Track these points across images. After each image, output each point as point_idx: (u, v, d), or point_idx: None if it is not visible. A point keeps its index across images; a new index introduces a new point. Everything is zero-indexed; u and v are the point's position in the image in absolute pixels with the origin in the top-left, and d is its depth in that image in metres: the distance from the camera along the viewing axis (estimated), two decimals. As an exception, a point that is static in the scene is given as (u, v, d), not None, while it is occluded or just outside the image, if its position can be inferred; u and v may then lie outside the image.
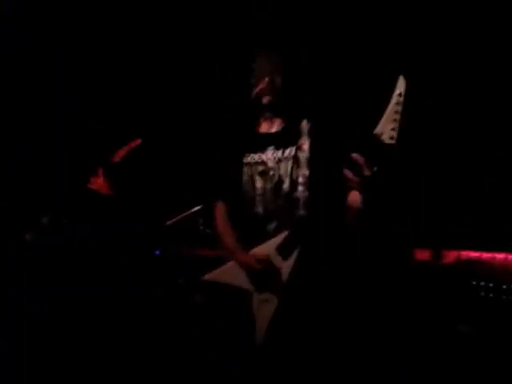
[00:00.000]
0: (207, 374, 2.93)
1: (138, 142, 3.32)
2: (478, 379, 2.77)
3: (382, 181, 2.25)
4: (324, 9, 3.58)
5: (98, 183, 3.26)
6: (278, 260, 2.50)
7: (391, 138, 2.18)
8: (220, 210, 2.67)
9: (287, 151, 2.60)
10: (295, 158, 2.57)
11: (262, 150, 2.63)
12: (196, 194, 3.62)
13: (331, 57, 3.46)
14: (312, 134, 2.57)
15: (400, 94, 2.16)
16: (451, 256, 3.10)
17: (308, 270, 2.49)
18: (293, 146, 2.59)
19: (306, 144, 2.58)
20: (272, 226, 2.53)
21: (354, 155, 2.24)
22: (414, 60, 3.24)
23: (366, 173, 2.24)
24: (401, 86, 2.17)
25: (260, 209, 2.57)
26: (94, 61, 3.94)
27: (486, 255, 3.04)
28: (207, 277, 2.68)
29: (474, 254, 3.08)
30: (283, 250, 2.49)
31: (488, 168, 3.34)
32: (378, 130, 2.20)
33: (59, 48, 3.86)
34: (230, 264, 2.61)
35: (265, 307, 2.51)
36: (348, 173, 2.28)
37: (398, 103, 2.16)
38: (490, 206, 3.30)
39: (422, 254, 3.24)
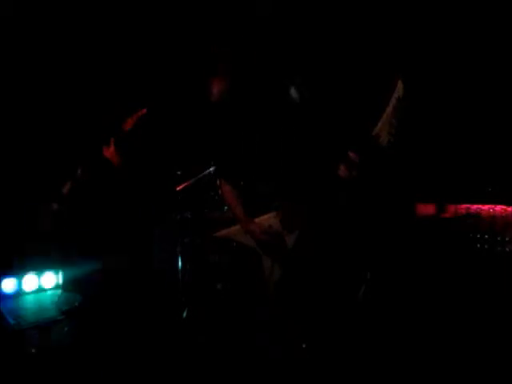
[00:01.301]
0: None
1: (144, 111, 3.44)
2: (475, 332, 2.88)
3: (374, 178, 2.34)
4: (325, 12, 3.54)
5: (110, 152, 3.41)
6: (282, 232, 2.64)
7: (388, 140, 2.26)
8: (225, 186, 2.80)
9: None
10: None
11: None
12: (203, 160, 3.70)
13: (333, 60, 3.44)
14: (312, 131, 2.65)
15: (398, 98, 2.21)
16: (451, 209, 3.19)
17: (310, 244, 2.63)
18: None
19: None
20: (276, 203, 2.66)
21: (352, 154, 2.33)
22: (413, 65, 3.22)
23: (354, 173, 2.35)
24: (399, 90, 2.22)
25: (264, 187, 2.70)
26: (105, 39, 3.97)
27: (485, 207, 3.11)
28: (219, 233, 2.84)
29: (473, 207, 3.16)
30: (288, 223, 2.62)
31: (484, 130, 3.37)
32: (375, 131, 2.28)
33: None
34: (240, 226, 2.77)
35: (274, 271, 2.67)
36: (342, 170, 2.37)
37: (396, 107, 2.23)
38: (489, 162, 3.34)
39: (427, 208, 3.33)
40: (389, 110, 2.26)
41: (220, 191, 2.89)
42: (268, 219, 2.67)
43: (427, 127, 3.38)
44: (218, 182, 3.02)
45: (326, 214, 2.65)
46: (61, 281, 3.52)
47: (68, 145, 3.81)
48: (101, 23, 3.94)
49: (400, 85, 2.26)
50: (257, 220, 2.69)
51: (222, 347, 3.06)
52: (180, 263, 3.64)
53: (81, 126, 3.87)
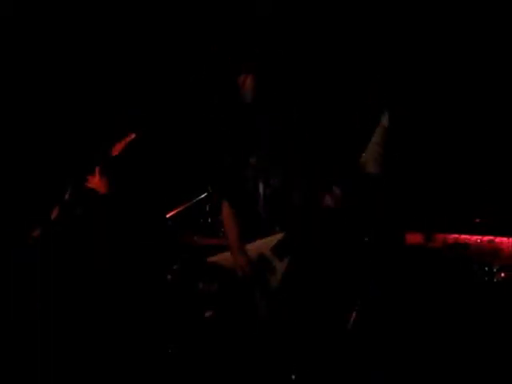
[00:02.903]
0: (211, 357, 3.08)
1: (133, 136, 3.32)
2: (467, 357, 2.91)
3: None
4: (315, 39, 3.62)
5: (95, 182, 3.29)
6: (273, 259, 2.65)
7: (374, 168, 2.32)
8: (226, 207, 2.81)
9: None
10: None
11: None
12: (197, 185, 3.71)
13: (319, 89, 3.51)
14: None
15: (384, 128, 2.28)
16: (439, 239, 3.22)
17: (301, 272, 2.64)
18: None
19: None
20: (276, 228, 2.68)
21: (335, 188, 2.39)
22: (398, 95, 3.30)
23: (338, 205, 2.40)
24: (385, 120, 2.29)
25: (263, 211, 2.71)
26: (89, 58, 3.98)
27: (473, 238, 3.15)
28: (211, 259, 2.84)
29: (462, 237, 3.20)
30: (278, 251, 2.63)
31: (476, 160, 3.44)
32: (362, 159, 2.34)
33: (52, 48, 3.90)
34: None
35: (264, 299, 2.67)
36: (328, 200, 2.42)
37: (381, 136, 2.30)
38: (478, 192, 3.40)
39: (414, 238, 3.36)
40: (374, 138, 2.32)
41: (221, 214, 2.88)
42: (260, 246, 2.67)
43: (414, 157, 3.44)
44: (215, 205, 3.02)
45: (316, 243, 2.67)
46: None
47: (53, 170, 3.76)
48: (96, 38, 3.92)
49: (385, 115, 2.32)
50: (248, 246, 2.70)
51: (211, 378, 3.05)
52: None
53: (64, 151, 3.83)
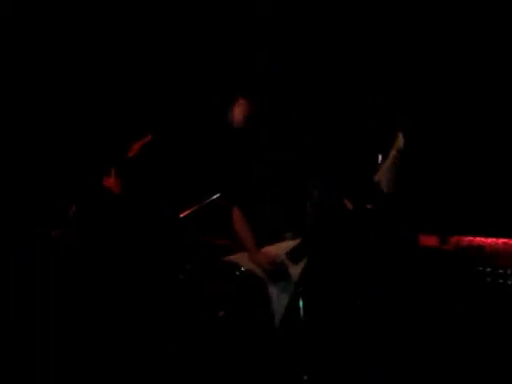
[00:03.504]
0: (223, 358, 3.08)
1: (149, 137, 3.35)
2: (476, 359, 2.89)
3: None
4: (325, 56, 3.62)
5: (111, 182, 3.31)
6: (288, 264, 2.67)
7: (388, 187, 2.36)
8: (236, 212, 2.83)
9: None
10: None
11: None
12: (207, 186, 3.72)
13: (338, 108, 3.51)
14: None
15: (398, 150, 2.34)
16: (453, 241, 3.21)
17: (316, 277, 2.66)
18: None
19: None
20: (289, 234, 2.70)
21: (346, 201, 2.43)
22: (413, 118, 3.29)
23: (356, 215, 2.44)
24: (399, 142, 2.34)
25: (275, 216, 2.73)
26: (102, 59, 3.99)
27: (488, 240, 3.14)
28: (227, 258, 2.85)
29: (476, 239, 3.18)
30: (294, 256, 2.66)
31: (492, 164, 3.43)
32: (376, 177, 2.38)
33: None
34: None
35: (281, 300, 2.69)
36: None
37: (396, 157, 2.35)
38: (492, 195, 3.39)
39: (429, 240, 3.35)
40: (389, 159, 2.38)
41: (231, 218, 2.90)
42: (274, 249, 2.69)
43: (428, 161, 3.43)
44: (226, 208, 3.04)
45: (331, 250, 2.71)
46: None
47: (69, 171, 3.78)
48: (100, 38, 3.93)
49: (400, 137, 2.38)
50: (263, 250, 2.71)
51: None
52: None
53: (82, 151, 3.84)
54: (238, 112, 2.75)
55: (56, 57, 3.87)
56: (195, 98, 3.95)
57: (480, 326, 2.93)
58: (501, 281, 2.95)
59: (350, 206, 2.50)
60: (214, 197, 3.72)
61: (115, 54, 3.97)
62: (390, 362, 2.95)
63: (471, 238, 3.19)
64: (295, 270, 2.67)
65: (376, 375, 2.93)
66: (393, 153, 2.39)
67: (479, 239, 3.18)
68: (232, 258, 2.85)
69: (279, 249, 2.70)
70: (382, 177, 2.40)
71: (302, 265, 2.67)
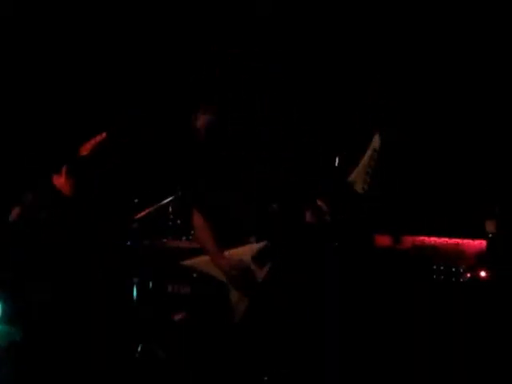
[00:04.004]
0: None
1: (104, 135, 3.19)
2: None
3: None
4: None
5: (61, 181, 3.16)
6: (253, 266, 2.66)
7: (362, 188, 2.38)
8: (197, 216, 2.79)
9: None
10: None
11: None
12: (164, 186, 3.67)
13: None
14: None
15: (375, 150, 2.36)
16: (408, 241, 3.31)
17: (279, 280, 2.67)
18: None
19: None
20: (252, 237, 2.69)
21: (319, 202, 2.44)
22: (390, 118, 3.35)
23: (327, 218, 2.45)
24: (376, 142, 2.37)
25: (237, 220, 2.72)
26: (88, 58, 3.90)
27: (440, 240, 3.26)
28: (186, 262, 2.81)
29: (429, 239, 3.30)
30: (259, 259, 2.65)
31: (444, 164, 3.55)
32: (351, 178, 2.40)
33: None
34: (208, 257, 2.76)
35: (241, 303, 2.68)
36: (309, 216, 2.47)
37: (372, 158, 2.37)
38: (444, 196, 3.52)
39: (383, 240, 3.44)
40: (364, 160, 2.40)
41: (191, 222, 2.86)
42: (239, 253, 2.68)
43: (399, 174, 3.51)
44: (186, 210, 3.00)
45: (295, 254, 2.73)
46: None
47: (18, 168, 3.65)
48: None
49: (377, 137, 2.40)
50: (227, 253, 2.70)
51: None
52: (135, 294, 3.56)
53: (32, 148, 3.72)
54: (201, 122, 2.72)
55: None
56: (158, 99, 3.90)
57: (435, 323, 3.03)
58: (454, 279, 3.08)
59: (324, 206, 2.50)
60: (169, 199, 3.68)
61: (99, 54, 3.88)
62: (348, 362, 3.02)
63: (424, 238, 3.30)
64: (260, 274, 2.67)
65: (330, 374, 2.98)
66: (369, 153, 2.40)
67: (432, 239, 3.30)
68: (192, 261, 2.82)
69: (243, 252, 2.69)
70: (358, 177, 2.41)
71: (266, 268, 2.68)
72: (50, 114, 3.84)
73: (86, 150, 3.23)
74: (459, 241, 3.26)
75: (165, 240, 3.67)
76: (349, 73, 3.59)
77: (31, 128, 3.77)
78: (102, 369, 3.18)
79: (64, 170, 3.21)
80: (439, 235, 3.30)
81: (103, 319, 3.32)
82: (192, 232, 3.56)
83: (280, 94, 2.78)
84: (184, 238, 3.65)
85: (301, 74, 3.02)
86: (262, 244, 2.67)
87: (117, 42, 3.96)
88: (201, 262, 2.80)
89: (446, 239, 3.27)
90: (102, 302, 3.34)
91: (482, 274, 3.10)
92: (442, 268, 3.14)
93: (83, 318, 3.22)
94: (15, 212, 3.30)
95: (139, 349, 3.39)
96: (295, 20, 3.65)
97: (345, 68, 3.60)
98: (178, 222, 3.74)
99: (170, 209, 3.75)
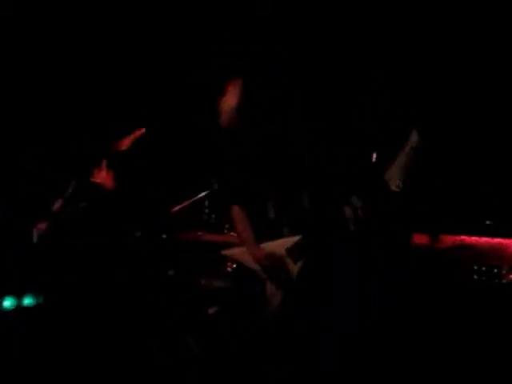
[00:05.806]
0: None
1: (142, 130, 3.27)
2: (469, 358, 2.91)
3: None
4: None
5: (101, 176, 3.22)
6: (287, 260, 2.64)
7: (397, 186, 2.32)
8: (236, 209, 2.78)
9: None
10: None
11: None
12: (200, 180, 3.68)
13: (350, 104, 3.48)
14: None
15: (412, 148, 2.29)
16: (448, 241, 3.22)
17: (314, 276, 2.64)
18: None
19: None
20: (286, 229, 2.67)
21: (354, 199, 2.39)
22: (428, 118, 3.28)
23: (361, 214, 2.40)
24: (413, 140, 2.30)
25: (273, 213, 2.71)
26: (97, 51, 3.95)
27: (481, 240, 3.16)
28: (226, 252, 2.82)
29: (470, 239, 3.20)
30: (293, 253, 2.63)
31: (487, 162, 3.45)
32: (386, 176, 2.34)
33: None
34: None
35: (275, 298, 2.66)
36: (347, 211, 2.42)
37: (408, 156, 2.31)
38: (486, 194, 3.42)
39: (421, 238, 3.36)
40: (401, 157, 2.34)
41: (230, 215, 2.86)
42: (274, 246, 2.66)
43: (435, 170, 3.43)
44: (222, 204, 3.00)
45: (331, 249, 2.68)
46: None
47: (59, 162, 3.72)
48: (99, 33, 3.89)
49: (414, 135, 2.34)
50: (262, 246, 2.68)
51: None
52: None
53: (72, 143, 3.79)
54: (230, 96, 2.68)
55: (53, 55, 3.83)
56: (189, 94, 3.91)
57: (475, 326, 2.94)
58: (496, 280, 2.98)
59: (358, 202, 2.46)
60: (205, 192, 3.70)
61: (110, 51, 3.93)
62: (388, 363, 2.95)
63: (465, 238, 3.21)
64: (294, 268, 2.65)
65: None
66: (406, 150, 2.36)
67: (473, 238, 3.20)
68: (230, 252, 2.82)
69: (278, 245, 2.67)
70: (393, 175, 2.37)
71: (300, 263, 2.65)
72: (86, 108, 3.90)
73: (125, 144, 3.29)
74: (502, 240, 3.15)
75: (200, 233, 3.69)
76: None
77: (71, 120, 3.84)
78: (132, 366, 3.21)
79: (105, 164, 3.25)
80: (480, 235, 3.20)
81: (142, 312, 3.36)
82: (227, 226, 3.57)
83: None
84: (220, 231, 3.65)
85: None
86: (296, 238, 2.64)
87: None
88: (239, 252, 2.80)
89: (488, 239, 3.17)
90: (135, 296, 3.38)
91: (526, 275, 3.00)
92: (483, 269, 3.05)
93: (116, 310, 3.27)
94: (57, 204, 3.38)
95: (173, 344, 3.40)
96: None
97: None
98: (213, 216, 3.75)
99: (206, 203, 3.77)
